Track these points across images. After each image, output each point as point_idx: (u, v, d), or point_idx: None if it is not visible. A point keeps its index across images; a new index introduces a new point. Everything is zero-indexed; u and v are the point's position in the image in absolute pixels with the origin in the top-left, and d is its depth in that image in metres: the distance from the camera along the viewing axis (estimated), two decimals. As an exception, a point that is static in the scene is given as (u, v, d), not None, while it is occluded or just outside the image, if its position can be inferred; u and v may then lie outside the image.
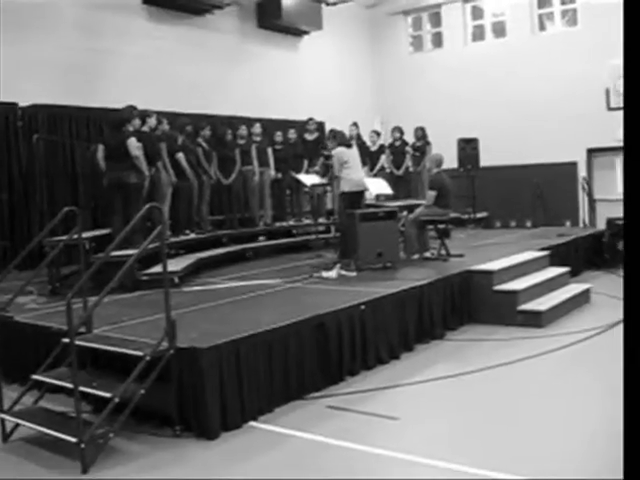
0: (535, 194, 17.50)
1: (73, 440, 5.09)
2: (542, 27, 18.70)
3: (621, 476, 3.49)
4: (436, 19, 20.52)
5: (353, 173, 10.53)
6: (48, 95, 12.32)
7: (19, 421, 5.73)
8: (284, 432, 5.65)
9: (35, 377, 6.04)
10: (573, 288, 10.21)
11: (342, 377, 6.92)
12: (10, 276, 6.75)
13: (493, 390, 6.58)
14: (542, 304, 9.17)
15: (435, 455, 4.99)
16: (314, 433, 5.57)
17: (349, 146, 10.77)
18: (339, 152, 10.50)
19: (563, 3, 18.15)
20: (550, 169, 17.32)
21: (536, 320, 8.85)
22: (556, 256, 11.24)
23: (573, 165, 17.36)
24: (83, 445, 5.04)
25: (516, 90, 18.01)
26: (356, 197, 10.54)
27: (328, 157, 11.32)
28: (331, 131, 11.00)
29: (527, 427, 5.54)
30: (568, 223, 16.97)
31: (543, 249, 11.23)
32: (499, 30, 19.38)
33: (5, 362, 6.72)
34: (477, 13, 19.90)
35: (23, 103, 12.09)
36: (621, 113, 4.28)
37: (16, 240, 11.44)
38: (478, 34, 19.86)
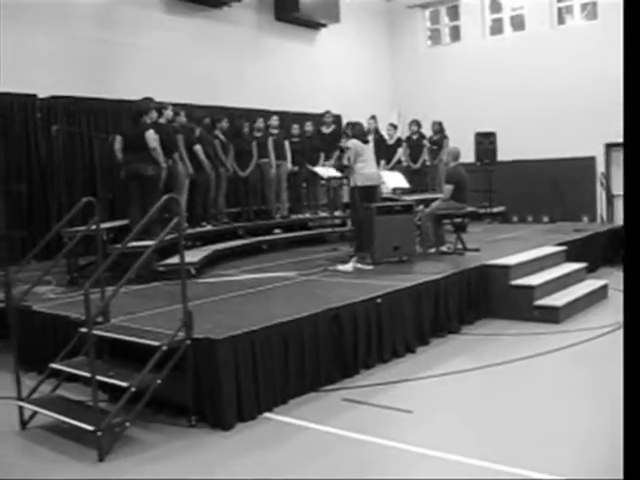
0: (552, 189, 17.42)
1: (90, 428, 5.14)
2: (561, 21, 18.58)
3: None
4: (454, 12, 20.44)
5: (367, 167, 10.54)
6: (66, 87, 12.39)
7: (37, 409, 5.78)
8: (299, 424, 5.68)
9: (53, 366, 6.09)
10: (590, 284, 10.17)
11: (357, 370, 6.93)
12: (29, 266, 6.79)
13: (508, 385, 6.57)
14: (559, 299, 9.13)
15: (448, 449, 5.00)
16: (329, 425, 5.59)
17: (365, 141, 10.78)
18: (355, 144, 10.51)
19: (582, -4, 18.04)
20: (568, 164, 17.22)
21: (552, 316, 8.82)
22: (573, 252, 11.18)
23: (591, 160, 17.26)
24: (100, 433, 5.09)
25: (534, 84, 17.91)
26: (369, 191, 10.54)
27: (344, 150, 11.32)
28: (349, 123, 11.00)
29: (541, 423, 5.52)
30: (585, 218, 16.90)
31: (560, 244, 11.18)
32: (518, 24, 19.27)
33: (23, 351, 6.76)
34: (495, 6, 19.78)
35: (42, 95, 12.16)
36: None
37: (34, 231, 11.50)
38: (497, 27, 19.75)
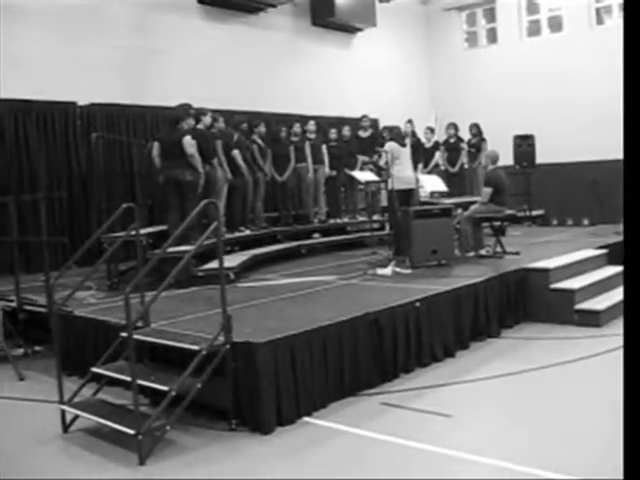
0: (592, 192, 17.20)
1: (131, 432, 5.18)
2: (600, 21, 18.38)
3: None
4: (491, 15, 20.31)
5: (404, 170, 10.55)
6: (105, 94, 12.54)
7: (79, 412, 5.84)
8: (338, 428, 5.67)
9: (94, 370, 6.16)
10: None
11: (396, 374, 6.91)
12: (69, 272, 6.88)
13: (547, 390, 6.50)
14: (599, 303, 9.01)
15: (488, 453, 4.96)
16: (368, 429, 5.57)
17: (403, 145, 10.77)
18: (392, 147, 10.53)
19: (621, -5, 17.82)
20: (608, 166, 16.94)
21: (593, 319, 8.71)
22: (614, 255, 11.01)
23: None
24: (141, 437, 5.13)
25: (573, 85, 17.74)
26: (407, 195, 10.53)
27: (381, 154, 11.31)
28: (385, 128, 11.01)
29: (579, 429, 5.45)
30: (626, 221, 16.64)
31: (600, 247, 11.03)
32: (555, 25, 19.09)
33: (65, 355, 6.88)
34: (532, 8, 19.62)
35: (82, 102, 12.33)
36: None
37: (75, 237, 11.65)
38: (534, 29, 19.57)
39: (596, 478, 4.47)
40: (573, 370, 6.98)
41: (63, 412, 5.93)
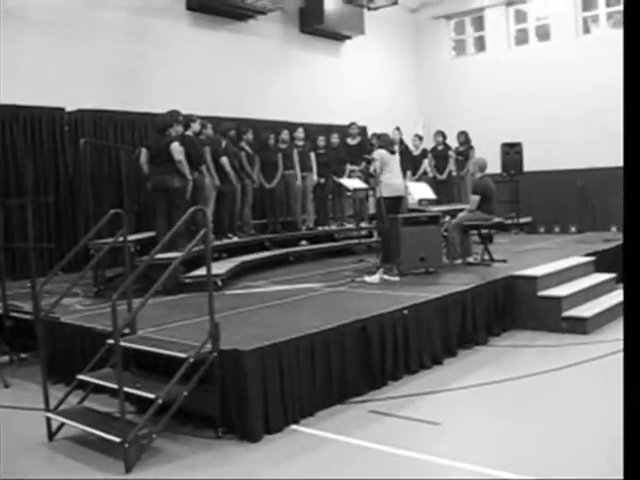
0: (580, 199, 17.27)
1: (117, 440, 5.15)
2: (587, 30, 18.48)
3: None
4: (479, 23, 20.39)
5: (393, 178, 10.56)
6: (94, 100, 12.50)
7: (64, 420, 5.80)
8: (326, 436, 5.65)
9: (80, 377, 6.13)
10: (619, 294, 10.04)
11: (384, 382, 6.90)
12: (56, 278, 6.84)
13: (535, 397, 6.50)
14: (587, 310, 9.04)
15: (476, 461, 4.95)
16: (356, 437, 5.55)
17: (392, 152, 10.79)
18: (381, 155, 10.55)
19: (609, 5, 17.89)
20: (595, 174, 17.06)
21: (581, 327, 8.73)
22: (602, 262, 11.06)
23: (619, 170, 17.03)
24: (127, 445, 5.10)
25: (560, 94, 17.81)
26: (395, 202, 10.54)
27: (370, 162, 11.32)
28: (374, 135, 11.02)
29: (567, 436, 5.45)
30: (614, 228, 16.68)
31: (588, 255, 11.07)
32: (543, 34, 19.18)
33: (51, 362, 6.83)
34: (520, 16, 19.71)
35: (70, 108, 12.28)
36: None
37: (62, 242, 11.60)
38: (521, 38, 19.67)
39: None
40: (561, 377, 6.99)
41: (49, 420, 5.88)
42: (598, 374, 7.09)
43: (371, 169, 11.01)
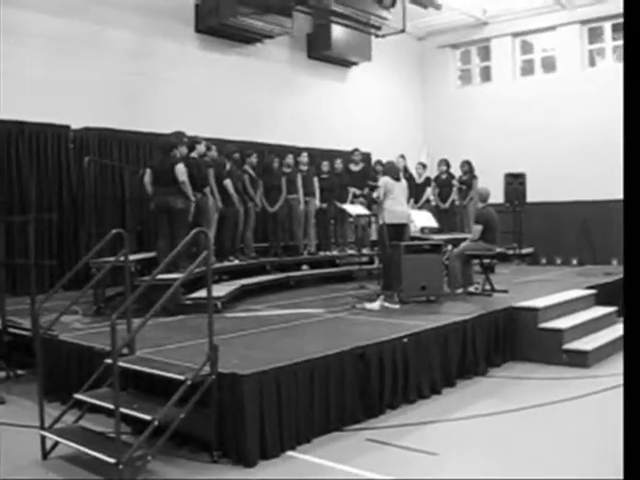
0: (582, 231, 17.27)
1: (112, 461, 5.09)
2: (592, 63, 18.58)
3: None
4: (485, 53, 20.53)
5: (396, 205, 10.56)
6: (99, 118, 12.56)
7: (59, 439, 5.76)
8: (322, 463, 5.59)
9: (77, 396, 6.08)
10: (620, 328, 10.00)
11: (382, 410, 6.84)
12: (56, 295, 6.81)
13: (534, 430, 6.44)
14: (588, 344, 8.99)
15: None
16: (352, 466, 5.50)
17: (397, 179, 10.80)
18: (385, 182, 10.58)
19: (614, 39, 18.00)
20: (598, 206, 17.08)
21: (581, 360, 8.68)
22: (603, 295, 11.03)
23: (621, 203, 17.03)
24: (121, 466, 5.03)
25: (565, 126, 17.90)
26: (397, 229, 10.53)
27: (374, 188, 11.33)
28: (378, 162, 11.04)
29: (568, 470, 5.39)
30: (615, 262, 16.67)
31: (589, 287, 11.04)
32: (549, 65, 19.31)
33: (48, 380, 6.77)
34: (527, 47, 19.86)
35: (75, 126, 12.32)
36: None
37: (64, 260, 11.60)
38: (527, 68, 19.81)
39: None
40: (560, 411, 6.93)
41: (43, 438, 5.84)
42: (598, 408, 7.04)
43: (374, 195, 11.03)
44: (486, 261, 10.95)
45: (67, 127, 12.27)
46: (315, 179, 13.68)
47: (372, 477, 5.28)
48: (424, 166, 15.85)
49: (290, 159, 13.34)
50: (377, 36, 17.16)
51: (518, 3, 18.74)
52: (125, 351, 6.25)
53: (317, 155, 14.96)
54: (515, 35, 19.63)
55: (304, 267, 13.58)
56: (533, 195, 16.82)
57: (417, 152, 18.86)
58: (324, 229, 14.21)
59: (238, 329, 7.93)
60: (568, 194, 17.54)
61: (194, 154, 10.72)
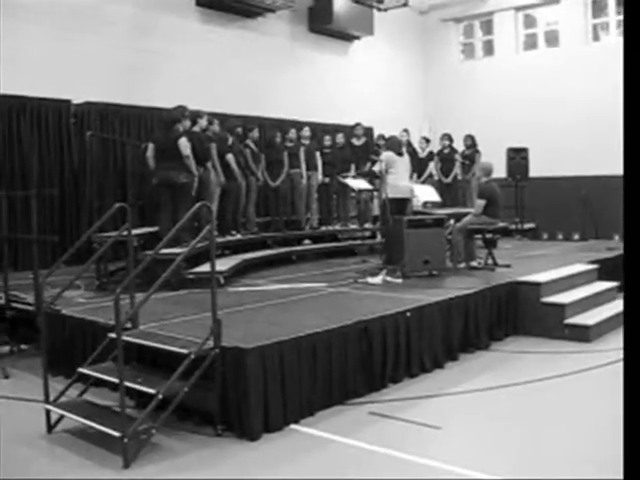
0: (584, 206, 17.23)
1: (116, 434, 5.12)
2: (596, 37, 18.45)
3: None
4: (488, 27, 20.39)
5: (399, 180, 10.53)
6: (101, 93, 12.50)
7: (64, 413, 5.78)
8: (325, 436, 5.63)
9: (81, 370, 6.11)
10: (622, 303, 10.02)
11: (385, 384, 6.87)
12: (58, 270, 6.82)
13: (535, 403, 6.47)
14: (590, 318, 9.01)
15: (475, 466, 4.93)
16: (355, 439, 5.53)
17: (400, 154, 10.77)
18: (388, 156, 10.54)
19: (619, 13, 17.86)
20: (600, 181, 17.02)
21: (583, 334, 8.70)
22: (605, 270, 11.03)
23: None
24: (126, 440, 5.07)
25: (568, 100, 17.80)
26: (400, 204, 10.51)
27: (375, 162, 11.30)
28: (380, 136, 10.98)
29: (566, 443, 5.43)
30: (617, 237, 16.66)
31: (591, 262, 11.04)
32: (552, 39, 19.17)
33: (52, 355, 6.81)
34: (530, 21, 19.71)
35: (76, 100, 12.27)
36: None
37: (65, 235, 11.59)
38: (530, 43, 19.67)
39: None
40: (561, 385, 6.95)
41: (48, 412, 5.86)
42: (599, 382, 7.06)
43: (376, 169, 11.00)
44: (489, 236, 10.93)
45: (68, 102, 12.21)
46: (317, 153, 13.64)
47: (375, 449, 5.30)
48: (427, 140, 15.81)
49: (293, 133, 13.30)
50: (379, 10, 17.02)
51: (521, -24, 18.61)
52: (128, 325, 6.26)
53: (319, 129, 14.91)
54: (518, 9, 19.48)
55: (306, 242, 13.57)
56: (535, 170, 16.77)
57: (419, 126, 18.81)
58: (326, 203, 14.20)
59: (241, 303, 7.94)
60: (570, 169, 17.48)
61: (196, 128, 10.68)
